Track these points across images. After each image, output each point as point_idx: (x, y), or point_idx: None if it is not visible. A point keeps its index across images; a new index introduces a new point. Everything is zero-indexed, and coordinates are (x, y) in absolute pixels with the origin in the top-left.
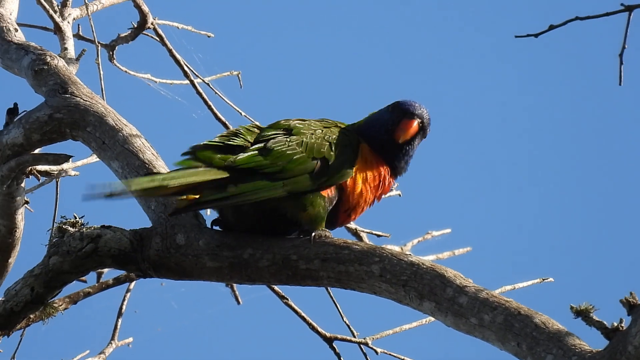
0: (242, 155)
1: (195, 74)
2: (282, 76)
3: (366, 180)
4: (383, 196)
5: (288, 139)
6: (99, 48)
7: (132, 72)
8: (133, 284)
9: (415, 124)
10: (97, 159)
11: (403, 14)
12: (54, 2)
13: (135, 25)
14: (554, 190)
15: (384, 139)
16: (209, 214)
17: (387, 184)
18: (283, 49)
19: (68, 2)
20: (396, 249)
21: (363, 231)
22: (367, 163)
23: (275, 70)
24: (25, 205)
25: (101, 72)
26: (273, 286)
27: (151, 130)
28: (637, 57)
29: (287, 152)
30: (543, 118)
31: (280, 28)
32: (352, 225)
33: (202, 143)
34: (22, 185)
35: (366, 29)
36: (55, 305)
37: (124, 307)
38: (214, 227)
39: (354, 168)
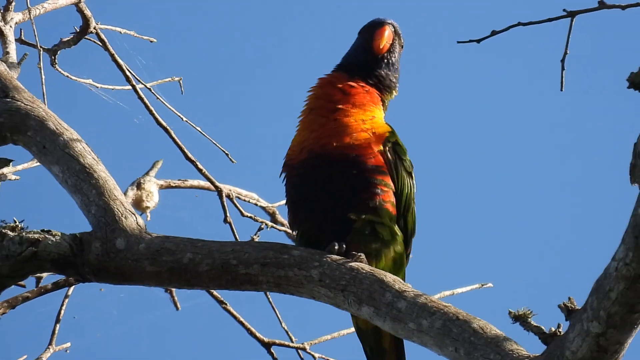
0: None
1: (137, 79)
2: (224, 82)
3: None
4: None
5: None
6: (41, 52)
7: (73, 77)
8: (72, 289)
9: (387, 29)
10: (38, 163)
11: (335, 19)
12: None
13: (78, 30)
14: (490, 194)
15: (367, 59)
16: (149, 219)
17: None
18: (225, 55)
19: (10, 6)
20: None
21: None
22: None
23: (216, 75)
24: None
25: (43, 77)
26: (212, 291)
27: (92, 135)
28: (578, 63)
29: None
30: (483, 121)
31: (222, 33)
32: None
33: None
34: None
35: (306, 30)
36: None
37: (62, 312)
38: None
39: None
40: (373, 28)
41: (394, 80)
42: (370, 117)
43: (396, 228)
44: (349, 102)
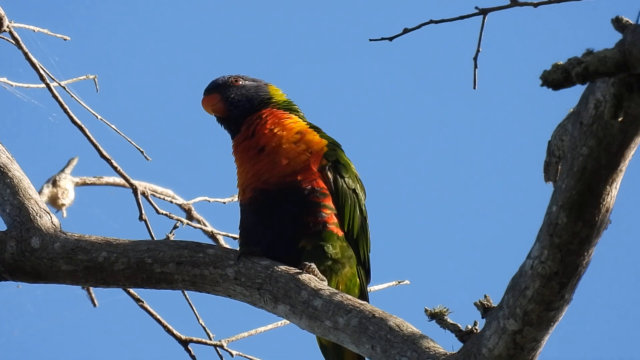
0: None
1: (51, 77)
2: (138, 79)
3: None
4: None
5: None
6: None
7: None
8: None
9: (203, 98)
10: None
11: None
12: None
13: None
14: (407, 191)
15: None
16: (65, 217)
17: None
18: (140, 52)
19: None
20: None
21: (219, 234)
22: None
23: (132, 73)
24: None
25: None
26: (129, 289)
27: (6, 134)
28: (491, 60)
29: None
30: (398, 119)
31: (137, 31)
32: (208, 227)
33: None
34: None
35: (214, 27)
36: None
37: None
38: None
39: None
40: None
41: (237, 110)
42: (297, 133)
43: (346, 245)
44: (264, 135)
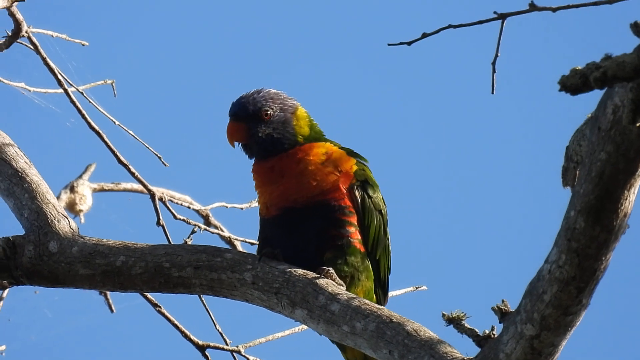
0: None
1: (69, 82)
2: (157, 84)
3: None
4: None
5: None
6: None
7: (5, 81)
8: (6, 292)
9: (230, 123)
10: None
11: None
12: None
13: (10, 34)
14: (425, 196)
15: (244, 151)
16: (82, 222)
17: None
18: (157, 58)
19: None
20: None
21: (237, 239)
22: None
23: (149, 78)
24: None
25: None
26: (146, 294)
27: (25, 139)
28: (509, 66)
29: None
30: (417, 124)
31: (155, 36)
32: (225, 233)
33: None
34: None
35: (238, 32)
36: None
37: None
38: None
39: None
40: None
41: (266, 142)
42: (324, 155)
43: (367, 261)
44: (292, 166)
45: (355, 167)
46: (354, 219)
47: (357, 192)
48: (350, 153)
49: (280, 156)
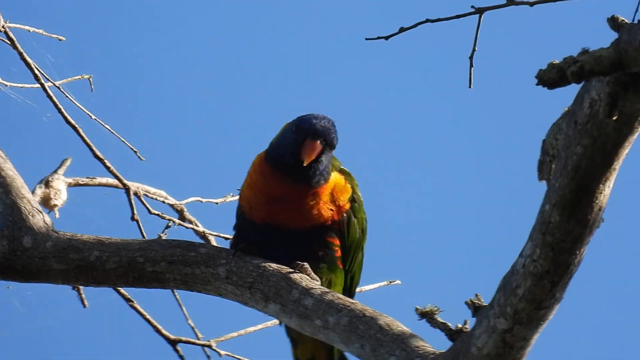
0: None
1: (46, 77)
2: (133, 80)
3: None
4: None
5: None
6: None
7: None
8: None
9: (318, 144)
10: None
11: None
12: None
13: None
14: (398, 190)
15: (292, 163)
16: (57, 217)
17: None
18: (134, 52)
19: None
20: None
21: (211, 234)
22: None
23: (126, 73)
24: None
25: None
26: (119, 288)
27: (0, 134)
28: (486, 60)
29: None
30: (393, 117)
31: (131, 31)
32: (200, 228)
33: None
34: None
35: (210, 28)
36: None
37: None
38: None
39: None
40: (306, 136)
41: (320, 176)
42: (330, 193)
43: (342, 278)
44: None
45: (349, 195)
46: (337, 241)
47: (345, 216)
48: (346, 175)
49: (305, 186)
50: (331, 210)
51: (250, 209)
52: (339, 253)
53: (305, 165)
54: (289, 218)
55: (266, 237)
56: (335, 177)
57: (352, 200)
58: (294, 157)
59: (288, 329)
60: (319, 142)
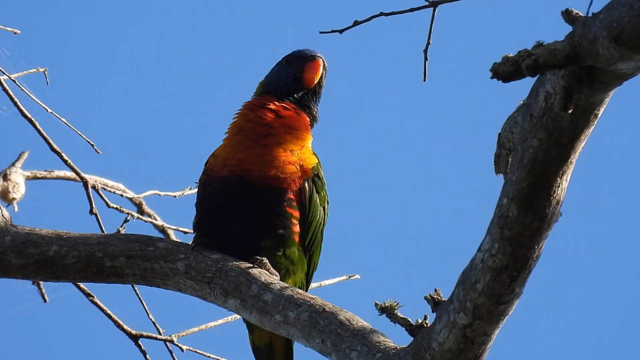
0: None
1: (1, 70)
2: (90, 73)
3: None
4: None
5: None
6: None
7: None
8: None
9: (320, 63)
10: None
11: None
12: None
13: None
14: (357, 185)
15: (296, 89)
16: (16, 211)
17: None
18: (90, 45)
19: None
20: None
21: (170, 228)
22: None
23: (82, 66)
24: None
25: None
26: (79, 283)
27: None
28: (441, 54)
29: None
30: (348, 112)
31: (86, 23)
32: (158, 222)
33: None
34: None
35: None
36: None
37: None
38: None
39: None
40: (305, 60)
41: (317, 112)
42: (300, 146)
43: (302, 255)
44: (282, 125)
45: (314, 165)
46: (297, 214)
47: (307, 186)
48: (315, 153)
49: (297, 109)
50: (295, 168)
51: (219, 167)
52: (296, 227)
53: (312, 86)
54: (255, 157)
55: (225, 206)
56: (307, 145)
57: (316, 176)
58: (297, 83)
59: None
60: (320, 60)
